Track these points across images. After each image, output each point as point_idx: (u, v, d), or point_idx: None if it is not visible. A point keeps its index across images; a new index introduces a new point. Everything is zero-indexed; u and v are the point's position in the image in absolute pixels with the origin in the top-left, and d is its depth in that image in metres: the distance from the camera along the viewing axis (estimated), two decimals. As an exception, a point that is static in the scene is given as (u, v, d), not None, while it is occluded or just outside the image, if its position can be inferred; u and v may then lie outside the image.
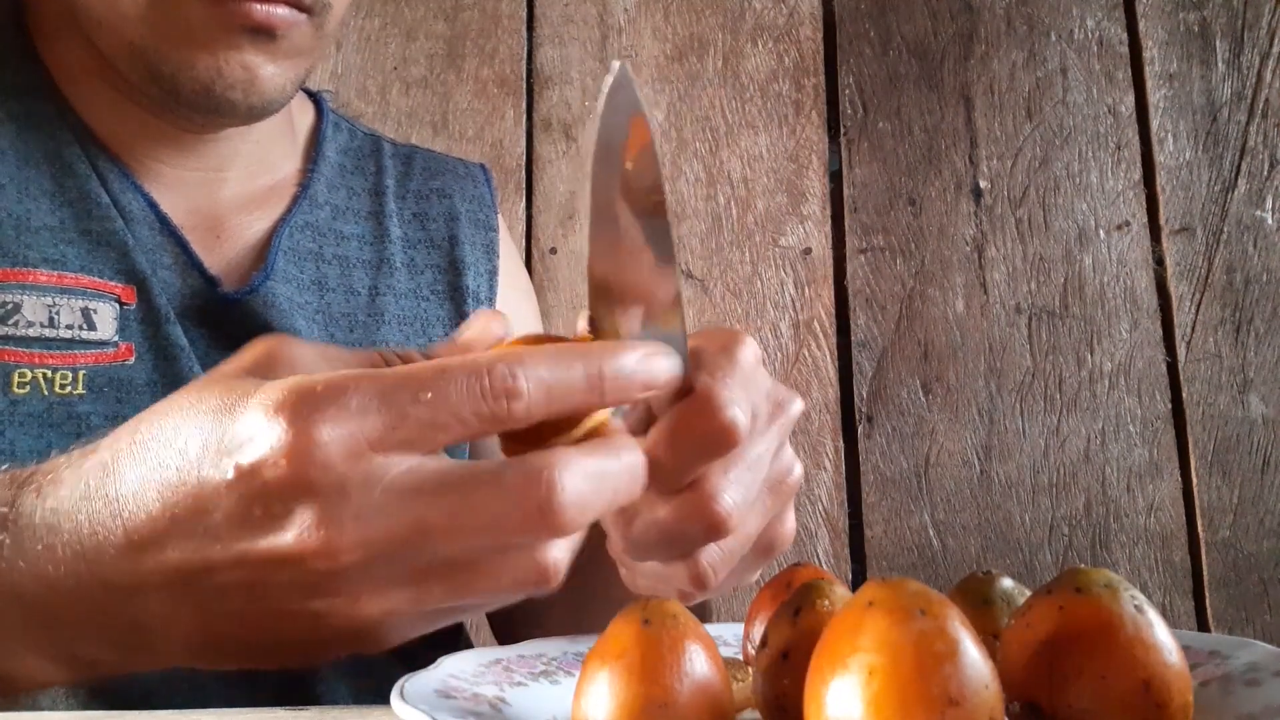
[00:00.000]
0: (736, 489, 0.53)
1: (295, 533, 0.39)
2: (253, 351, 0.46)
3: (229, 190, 0.87)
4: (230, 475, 0.40)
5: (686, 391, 0.50)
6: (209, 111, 0.78)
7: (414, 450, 0.40)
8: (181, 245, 0.81)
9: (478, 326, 0.52)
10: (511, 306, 0.99)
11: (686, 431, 0.50)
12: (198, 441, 0.41)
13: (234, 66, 0.74)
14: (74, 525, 0.44)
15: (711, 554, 0.55)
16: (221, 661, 0.45)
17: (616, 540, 0.53)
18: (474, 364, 0.41)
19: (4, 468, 0.50)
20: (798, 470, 0.61)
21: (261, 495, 0.39)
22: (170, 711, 0.56)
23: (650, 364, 0.45)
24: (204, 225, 0.84)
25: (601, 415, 0.45)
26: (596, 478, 0.42)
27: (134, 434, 0.44)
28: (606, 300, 0.49)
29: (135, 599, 0.43)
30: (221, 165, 0.86)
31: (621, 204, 0.48)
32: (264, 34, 0.74)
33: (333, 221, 0.91)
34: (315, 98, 0.99)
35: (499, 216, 1.02)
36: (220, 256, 0.84)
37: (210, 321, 0.81)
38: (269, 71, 0.76)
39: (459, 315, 0.95)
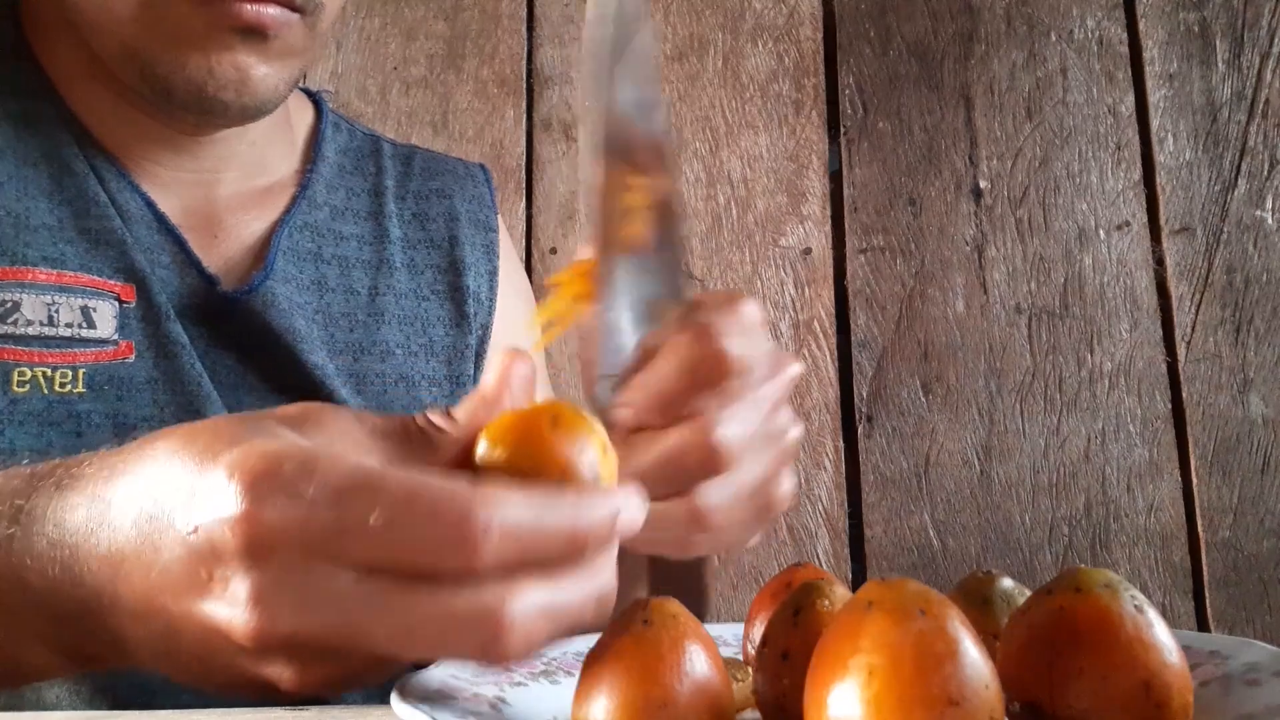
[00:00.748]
0: (734, 424, 0.55)
1: (229, 606, 0.39)
2: (296, 405, 0.45)
3: (225, 190, 0.86)
4: (186, 531, 0.40)
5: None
6: (202, 112, 0.77)
7: (364, 561, 0.38)
8: (180, 244, 0.81)
9: (503, 371, 0.48)
10: (509, 307, 1.00)
11: (683, 358, 0.52)
12: (171, 487, 0.41)
13: (226, 67, 0.74)
14: (75, 528, 0.44)
15: (709, 492, 0.55)
16: (185, 680, 0.45)
17: None
18: (444, 503, 0.38)
19: (26, 461, 0.50)
20: (796, 431, 0.63)
21: (209, 559, 0.39)
22: (170, 711, 0.56)
23: (624, 518, 0.42)
24: (201, 225, 0.84)
25: (604, 471, 0.44)
26: (549, 615, 0.40)
27: (141, 452, 0.44)
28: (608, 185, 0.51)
29: (113, 617, 0.44)
30: (217, 166, 0.86)
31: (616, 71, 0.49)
32: (256, 34, 0.74)
33: (332, 222, 0.91)
34: (314, 98, 0.99)
35: (498, 217, 1.03)
36: (219, 256, 0.84)
37: (210, 320, 0.81)
38: (261, 72, 0.76)
39: (459, 315, 0.95)
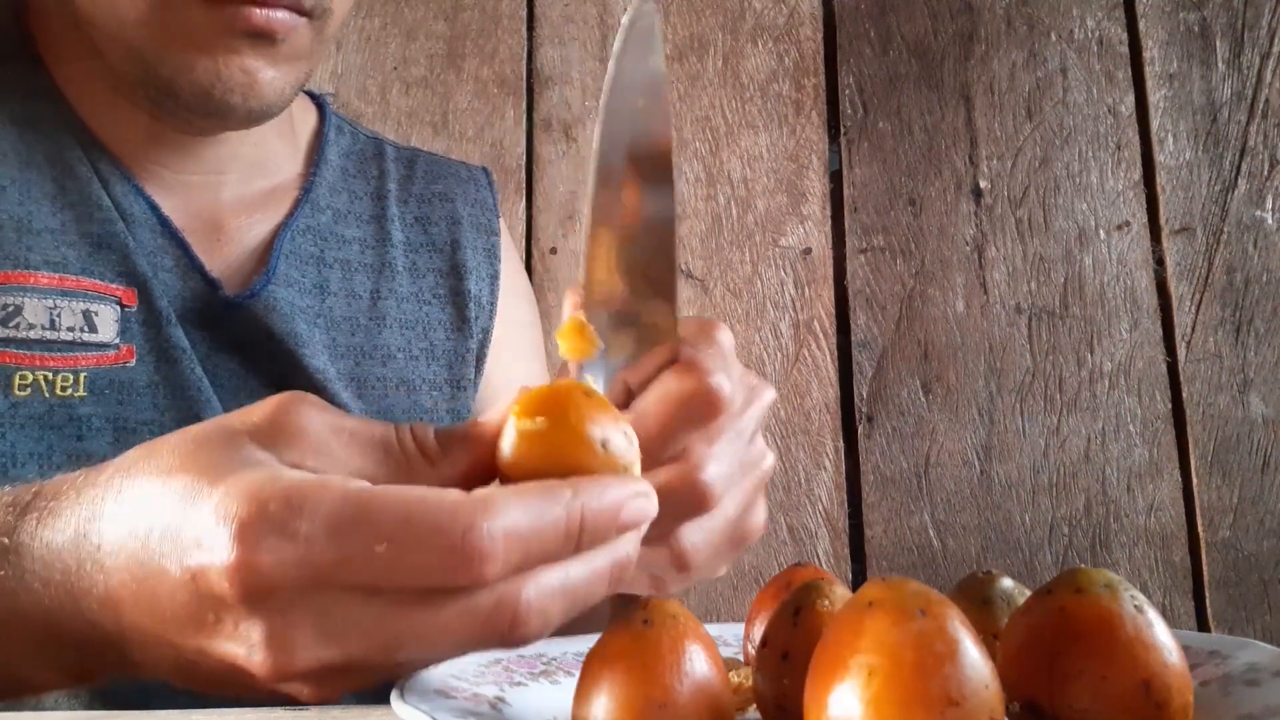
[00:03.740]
0: (720, 461, 0.54)
1: (244, 646, 0.39)
2: (264, 410, 0.44)
3: (229, 193, 0.86)
4: (184, 576, 0.39)
5: (671, 362, 0.51)
6: (208, 114, 0.77)
7: (369, 587, 0.38)
8: (183, 248, 0.81)
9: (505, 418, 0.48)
10: (510, 310, 1.00)
11: (672, 397, 0.51)
12: (160, 525, 0.41)
13: (233, 70, 0.74)
14: (64, 566, 0.44)
15: (693, 534, 0.54)
16: (210, 693, 0.45)
17: None
18: (444, 521, 0.38)
19: (6, 489, 0.49)
20: (769, 460, 0.61)
21: (212, 604, 0.39)
22: (170, 711, 0.56)
23: (631, 509, 0.42)
24: (205, 228, 0.84)
25: (627, 459, 0.44)
26: (561, 596, 0.40)
27: (120, 486, 0.43)
28: (604, 251, 0.50)
29: (119, 644, 0.43)
30: (221, 168, 0.86)
31: (628, 156, 0.50)
32: (264, 38, 0.74)
33: (334, 225, 0.91)
34: (318, 100, 0.99)
35: (500, 220, 1.02)
36: (221, 259, 0.84)
37: (211, 324, 0.81)
38: (269, 76, 0.75)
39: (461, 319, 0.95)
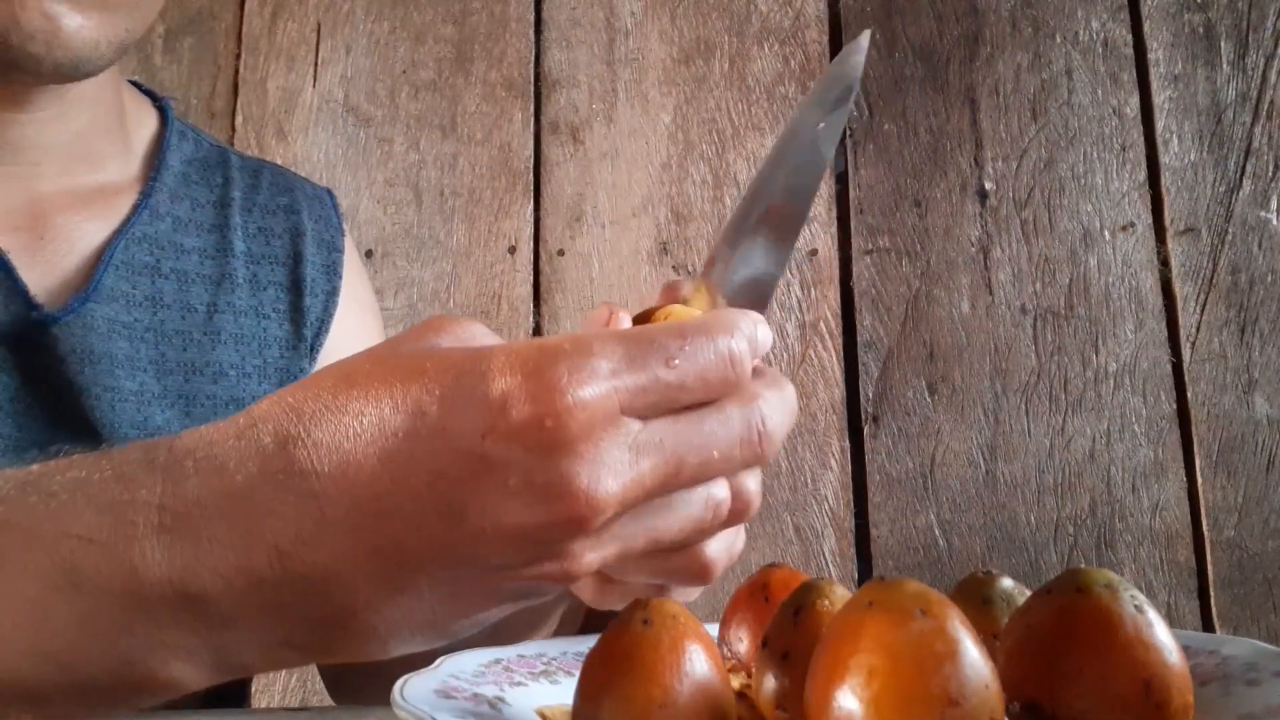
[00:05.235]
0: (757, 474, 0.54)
1: (552, 500, 0.38)
2: (423, 327, 0.44)
3: (48, 186, 0.80)
4: (471, 444, 0.38)
5: None
6: (9, 67, 0.69)
7: (659, 412, 0.41)
8: (3, 265, 0.75)
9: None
10: (353, 325, 0.95)
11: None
12: (436, 409, 0.39)
13: (33, 14, 0.67)
14: (263, 510, 0.40)
15: (716, 543, 0.53)
16: (382, 646, 0.43)
17: None
18: (716, 327, 0.43)
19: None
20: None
21: (521, 462, 0.38)
22: (170, 712, 0.56)
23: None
24: (25, 226, 0.78)
25: None
26: (785, 409, 0.45)
27: (313, 412, 0.40)
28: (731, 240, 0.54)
29: (336, 582, 0.40)
30: (37, 158, 0.79)
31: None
32: None
33: (173, 234, 0.86)
34: (160, 105, 0.93)
35: (346, 238, 0.98)
36: (45, 267, 0.78)
37: (23, 347, 0.75)
38: (75, 23, 0.69)
39: (297, 337, 0.91)
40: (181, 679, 0.43)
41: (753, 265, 0.54)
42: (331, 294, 0.94)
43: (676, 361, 0.41)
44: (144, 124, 0.90)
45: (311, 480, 0.40)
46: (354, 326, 0.95)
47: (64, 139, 0.80)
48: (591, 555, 0.41)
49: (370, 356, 0.43)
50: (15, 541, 0.42)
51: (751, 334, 0.44)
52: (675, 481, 0.42)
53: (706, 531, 0.45)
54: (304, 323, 0.91)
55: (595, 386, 0.39)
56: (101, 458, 0.44)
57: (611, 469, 0.39)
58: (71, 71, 0.71)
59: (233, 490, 0.40)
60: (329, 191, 1.01)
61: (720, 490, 0.45)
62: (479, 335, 0.44)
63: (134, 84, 0.93)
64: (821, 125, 0.55)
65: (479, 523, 0.39)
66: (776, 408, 0.44)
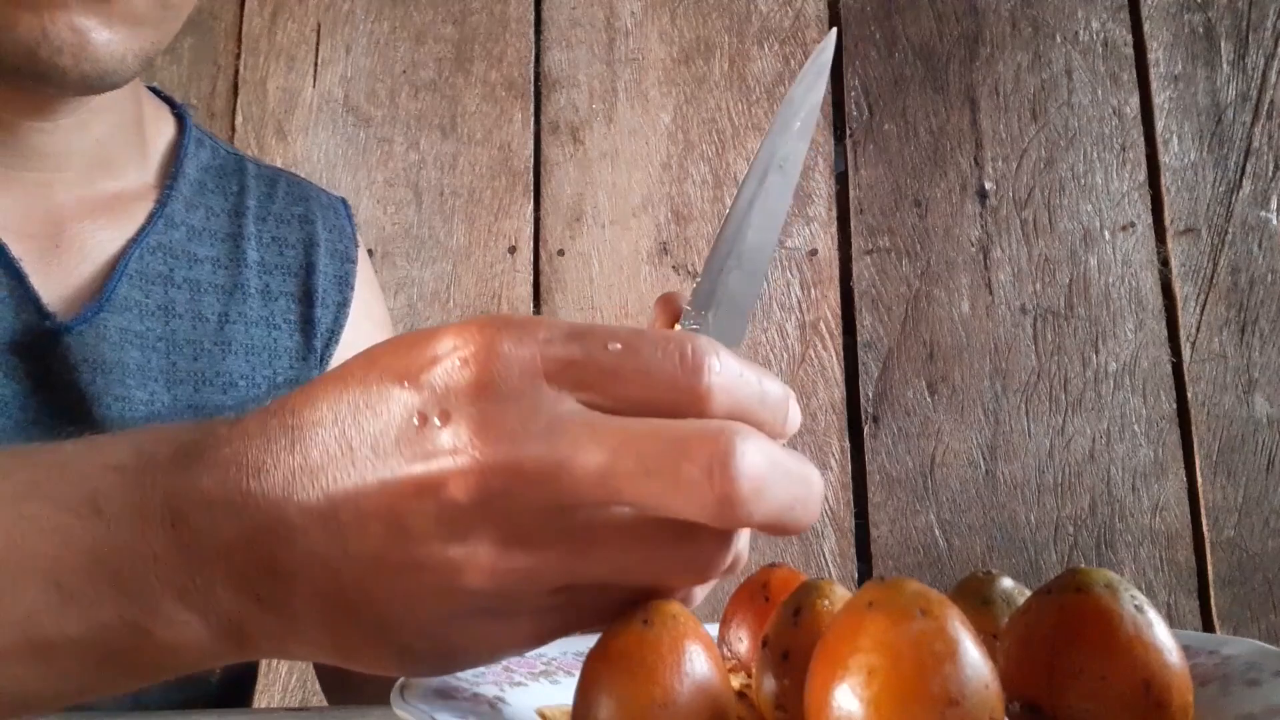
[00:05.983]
0: None
1: (448, 449, 0.37)
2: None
3: (66, 194, 0.80)
4: (405, 386, 0.38)
5: None
6: (36, 79, 0.69)
7: (590, 393, 0.38)
8: (15, 274, 0.75)
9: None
10: (363, 337, 0.94)
11: None
12: (380, 365, 0.39)
13: (61, 28, 0.67)
14: (244, 443, 0.41)
15: (742, 538, 0.52)
16: (349, 636, 0.41)
17: None
18: (672, 339, 0.38)
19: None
20: None
21: (429, 402, 0.37)
22: (169, 712, 0.56)
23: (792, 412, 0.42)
24: (41, 234, 0.78)
25: None
26: (779, 467, 0.37)
27: (307, 390, 0.41)
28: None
29: (279, 531, 0.40)
30: (58, 165, 0.79)
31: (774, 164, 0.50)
32: None
33: (187, 243, 0.86)
34: (178, 112, 0.93)
35: (360, 250, 0.98)
36: (59, 276, 0.78)
37: (34, 355, 0.75)
38: (103, 37, 0.68)
39: (307, 348, 0.90)
40: (185, 634, 0.42)
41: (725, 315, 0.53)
42: (343, 305, 0.94)
43: (617, 346, 0.38)
44: (161, 131, 0.90)
45: (287, 416, 0.40)
46: (364, 339, 0.94)
47: (85, 146, 0.80)
48: (505, 544, 0.38)
49: (358, 359, 0.42)
50: (50, 474, 0.43)
51: (734, 364, 0.39)
52: (587, 473, 0.36)
53: (668, 572, 0.40)
54: (314, 334, 0.91)
55: (525, 346, 0.37)
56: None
57: (512, 430, 0.37)
58: (97, 84, 0.71)
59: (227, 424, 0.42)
60: (344, 201, 1.00)
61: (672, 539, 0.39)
62: None
63: (153, 90, 0.92)
64: (784, 157, 0.53)
65: (380, 470, 0.38)
66: (763, 454, 0.36)
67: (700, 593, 0.48)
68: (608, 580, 0.39)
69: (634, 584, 0.40)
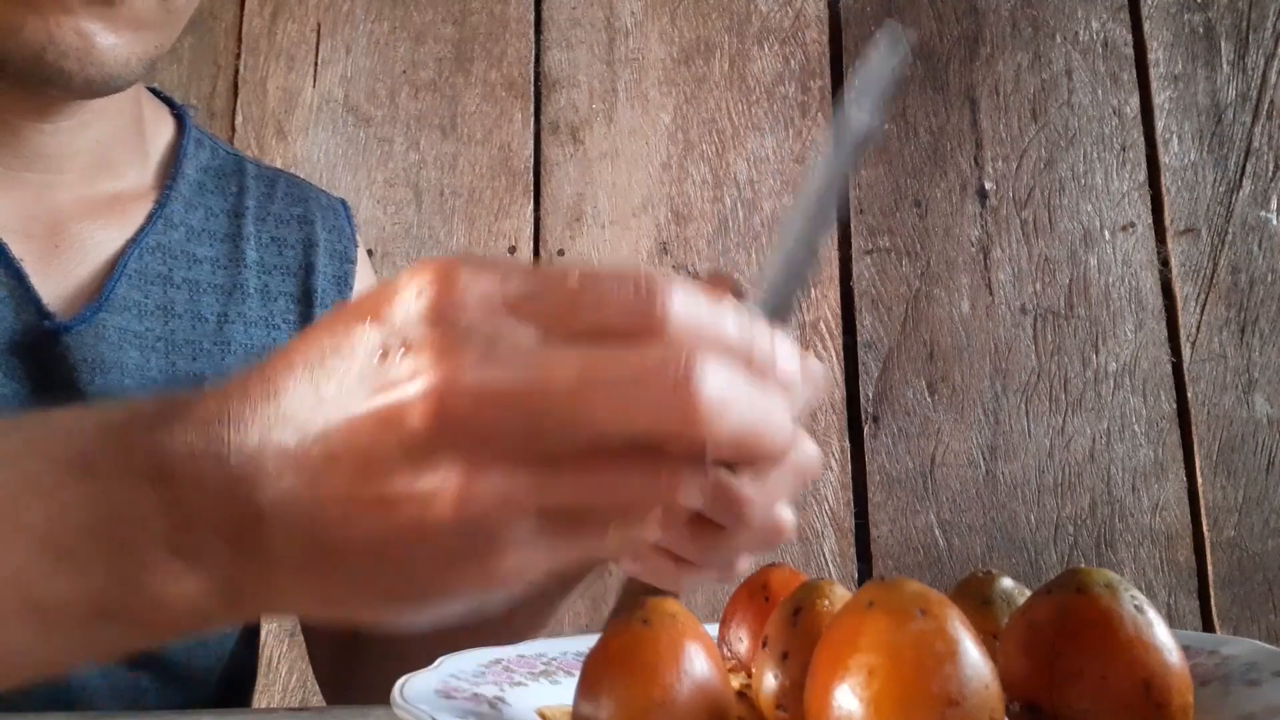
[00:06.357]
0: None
1: (408, 379, 0.36)
2: None
3: (67, 194, 0.80)
4: (366, 323, 0.38)
5: None
6: (42, 83, 0.70)
7: (550, 324, 0.37)
8: (16, 274, 0.75)
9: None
10: None
11: None
12: (347, 310, 0.40)
13: (67, 32, 0.67)
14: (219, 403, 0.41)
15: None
16: (331, 584, 0.41)
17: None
18: (631, 273, 0.37)
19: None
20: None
21: (390, 336, 0.37)
22: (169, 712, 0.56)
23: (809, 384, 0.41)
24: (41, 234, 0.78)
25: None
26: (740, 388, 0.37)
27: (275, 357, 0.41)
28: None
29: (257, 478, 0.39)
30: (60, 166, 0.80)
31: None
32: None
33: (186, 243, 0.86)
34: (178, 112, 0.93)
35: (360, 250, 0.98)
36: (61, 274, 0.78)
37: (34, 355, 0.75)
38: (108, 42, 0.69)
39: None
40: (177, 590, 0.42)
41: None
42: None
43: (576, 277, 0.37)
44: (161, 132, 0.90)
45: (264, 370, 0.41)
46: None
47: (86, 147, 0.81)
48: (475, 473, 0.37)
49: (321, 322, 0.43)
50: (47, 432, 0.44)
51: (695, 297, 0.38)
52: (551, 401, 0.36)
53: (621, 485, 0.38)
54: None
55: (483, 279, 0.37)
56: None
57: (472, 360, 0.36)
58: (102, 88, 0.72)
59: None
60: (343, 202, 1.00)
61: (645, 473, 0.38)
62: None
63: (153, 91, 0.92)
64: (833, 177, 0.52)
65: (346, 404, 0.38)
66: (727, 379, 0.36)
67: (742, 563, 0.47)
68: (579, 503, 0.38)
69: (606, 508, 0.39)
